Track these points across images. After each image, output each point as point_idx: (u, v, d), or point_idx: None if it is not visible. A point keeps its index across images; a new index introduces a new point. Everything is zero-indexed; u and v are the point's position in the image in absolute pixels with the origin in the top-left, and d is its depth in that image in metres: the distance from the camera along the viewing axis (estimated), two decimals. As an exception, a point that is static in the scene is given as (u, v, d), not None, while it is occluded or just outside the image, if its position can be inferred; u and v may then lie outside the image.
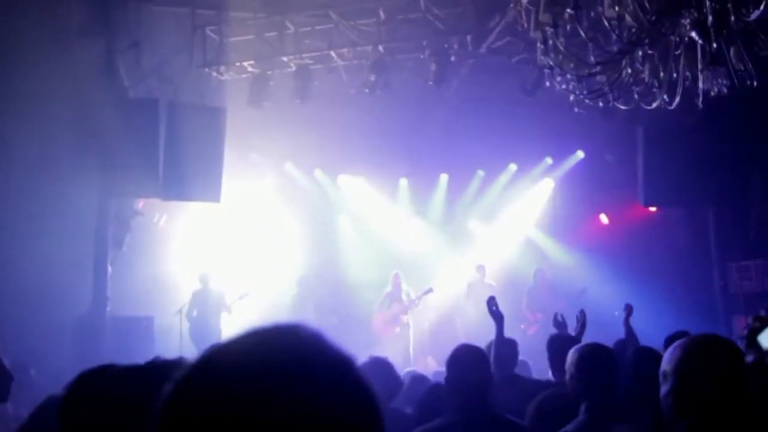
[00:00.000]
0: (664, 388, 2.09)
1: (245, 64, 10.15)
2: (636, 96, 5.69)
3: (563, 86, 5.53)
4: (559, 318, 5.41)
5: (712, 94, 4.83)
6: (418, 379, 4.72)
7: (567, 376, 3.29)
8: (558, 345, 4.29)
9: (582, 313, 5.14)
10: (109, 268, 9.70)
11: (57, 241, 8.71)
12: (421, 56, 9.53)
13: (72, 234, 9.10)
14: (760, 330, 1.58)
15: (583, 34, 4.68)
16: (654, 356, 3.31)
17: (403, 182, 13.30)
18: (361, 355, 7.29)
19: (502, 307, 4.83)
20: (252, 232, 12.47)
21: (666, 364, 2.09)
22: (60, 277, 8.71)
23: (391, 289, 11.56)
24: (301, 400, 0.78)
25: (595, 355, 3.28)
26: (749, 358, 1.56)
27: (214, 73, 10.22)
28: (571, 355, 3.31)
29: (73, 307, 9.31)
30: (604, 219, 12.56)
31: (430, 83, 9.33)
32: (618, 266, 10.99)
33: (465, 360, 3.51)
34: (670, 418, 2.10)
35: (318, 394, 0.79)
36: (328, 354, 0.84)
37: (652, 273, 10.89)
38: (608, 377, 3.21)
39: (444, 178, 13.26)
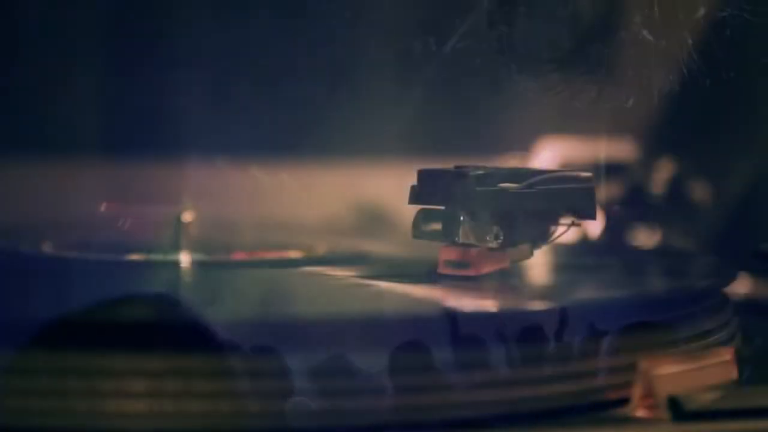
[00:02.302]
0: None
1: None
2: (593, 94, 5.69)
3: (520, 83, 5.51)
4: None
5: (664, 90, 4.82)
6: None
7: None
8: None
9: None
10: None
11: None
12: (384, 57, 9.52)
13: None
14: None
15: (534, 30, 4.65)
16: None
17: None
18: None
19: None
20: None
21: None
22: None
23: None
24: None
25: None
26: None
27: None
28: None
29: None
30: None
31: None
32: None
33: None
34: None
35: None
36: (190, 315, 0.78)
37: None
38: None
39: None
